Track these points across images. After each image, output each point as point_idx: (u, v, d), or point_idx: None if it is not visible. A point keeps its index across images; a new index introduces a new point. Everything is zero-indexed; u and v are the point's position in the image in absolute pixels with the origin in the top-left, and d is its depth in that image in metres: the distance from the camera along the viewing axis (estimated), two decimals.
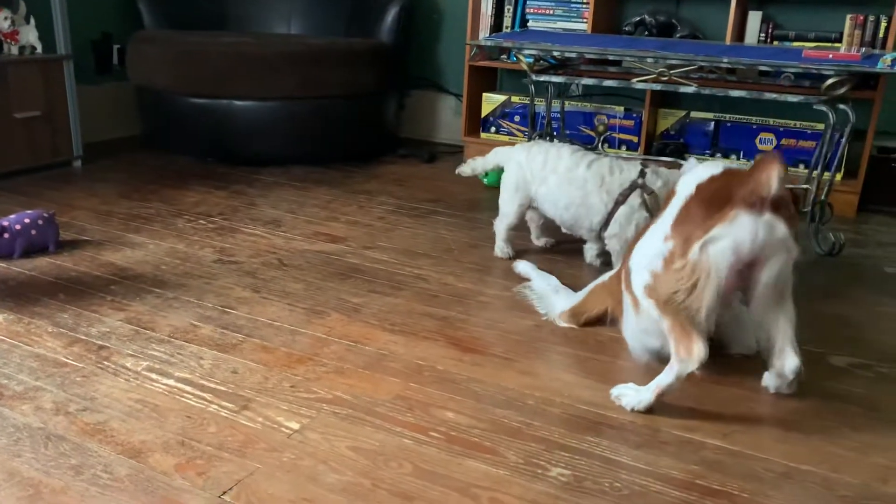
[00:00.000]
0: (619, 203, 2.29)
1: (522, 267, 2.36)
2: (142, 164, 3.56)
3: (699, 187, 1.65)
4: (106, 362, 1.79)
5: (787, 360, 1.64)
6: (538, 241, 2.66)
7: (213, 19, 3.95)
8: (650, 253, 1.67)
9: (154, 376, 1.73)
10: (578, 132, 3.56)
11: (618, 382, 1.72)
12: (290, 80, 3.37)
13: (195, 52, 3.37)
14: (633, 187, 2.28)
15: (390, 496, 1.36)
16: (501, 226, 2.52)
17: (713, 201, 1.58)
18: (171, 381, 1.71)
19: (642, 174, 2.28)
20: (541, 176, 2.39)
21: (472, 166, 2.63)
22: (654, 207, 2.24)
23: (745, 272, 1.57)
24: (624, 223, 2.28)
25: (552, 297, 2.14)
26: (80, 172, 3.41)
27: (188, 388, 1.69)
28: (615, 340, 1.95)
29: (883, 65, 2.45)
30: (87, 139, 3.56)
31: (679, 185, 1.71)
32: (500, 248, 2.53)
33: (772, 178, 1.50)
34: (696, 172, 1.70)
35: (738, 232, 1.53)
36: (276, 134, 3.47)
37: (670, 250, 1.60)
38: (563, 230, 2.47)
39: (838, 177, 3.03)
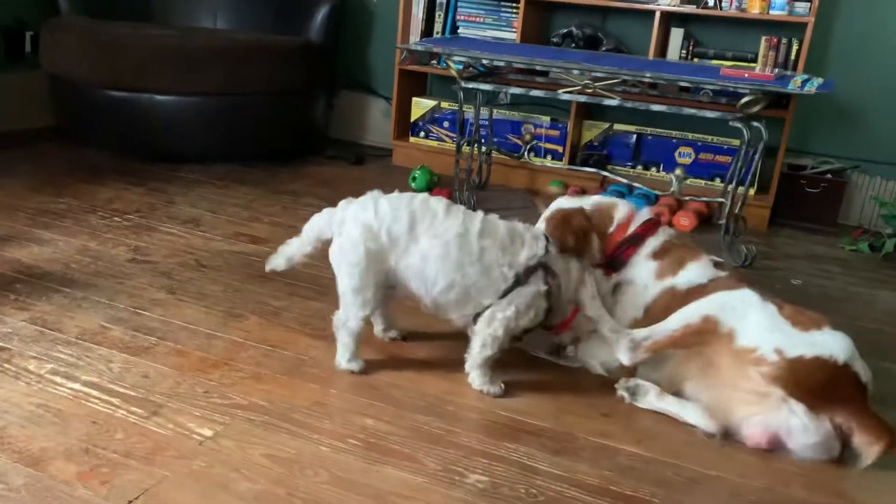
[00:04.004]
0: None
1: None
2: (53, 157, 3.40)
3: None
4: (6, 364, 1.70)
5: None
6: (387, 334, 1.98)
7: (135, 10, 3.81)
8: None
9: (58, 380, 1.65)
10: (506, 140, 3.60)
11: (535, 392, 1.74)
12: (214, 75, 3.28)
13: (116, 43, 3.25)
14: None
15: None
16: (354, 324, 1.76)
17: None
18: (76, 385, 1.64)
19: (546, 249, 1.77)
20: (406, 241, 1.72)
21: (287, 256, 1.84)
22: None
23: None
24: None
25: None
26: None
27: (95, 393, 1.62)
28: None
29: (793, 85, 2.57)
30: None
31: None
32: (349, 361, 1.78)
33: None
34: None
35: None
36: (198, 130, 3.37)
37: None
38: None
39: (752, 191, 3.15)
